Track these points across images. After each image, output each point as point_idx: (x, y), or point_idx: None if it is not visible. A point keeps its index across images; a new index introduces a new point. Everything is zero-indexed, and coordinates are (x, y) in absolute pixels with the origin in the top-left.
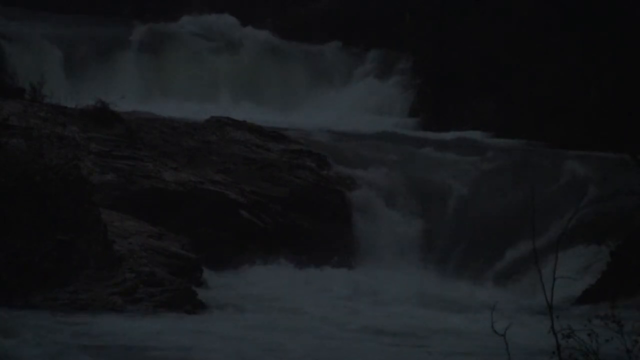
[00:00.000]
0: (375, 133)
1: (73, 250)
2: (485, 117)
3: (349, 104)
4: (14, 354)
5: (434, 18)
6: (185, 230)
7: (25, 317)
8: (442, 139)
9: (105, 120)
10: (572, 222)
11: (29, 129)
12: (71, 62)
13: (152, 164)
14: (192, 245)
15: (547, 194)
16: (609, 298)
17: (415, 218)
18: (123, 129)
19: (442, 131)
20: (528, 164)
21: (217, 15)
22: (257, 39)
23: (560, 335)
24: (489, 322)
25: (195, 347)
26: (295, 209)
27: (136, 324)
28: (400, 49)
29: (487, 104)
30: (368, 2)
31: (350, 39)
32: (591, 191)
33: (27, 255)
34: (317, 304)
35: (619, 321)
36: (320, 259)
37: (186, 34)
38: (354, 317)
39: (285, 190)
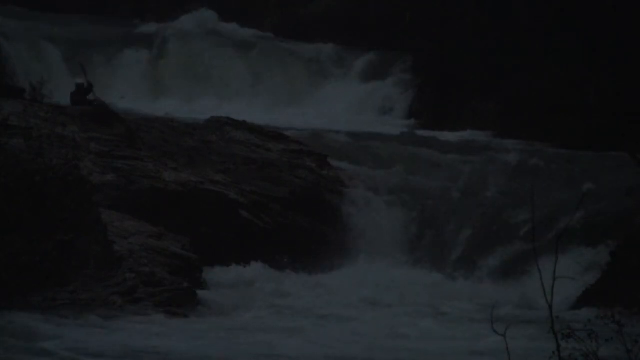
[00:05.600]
0: (375, 133)
1: (73, 250)
2: (485, 117)
3: (349, 104)
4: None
5: (434, 18)
6: (185, 230)
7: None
8: (442, 139)
9: (105, 120)
10: (572, 222)
11: (29, 129)
12: (71, 62)
13: (152, 164)
14: (192, 245)
15: (546, 194)
16: (609, 298)
17: (414, 218)
18: (123, 129)
19: (442, 131)
20: (528, 164)
21: (216, 15)
22: (256, 39)
23: (560, 336)
24: (489, 322)
25: (195, 346)
26: (295, 209)
27: (136, 323)
28: (400, 49)
29: (487, 104)
30: (368, 2)
31: (350, 38)
32: (591, 191)
33: (27, 255)
34: (317, 304)
35: (619, 321)
36: (320, 258)
37: (186, 34)
38: (353, 316)
39: (285, 190)
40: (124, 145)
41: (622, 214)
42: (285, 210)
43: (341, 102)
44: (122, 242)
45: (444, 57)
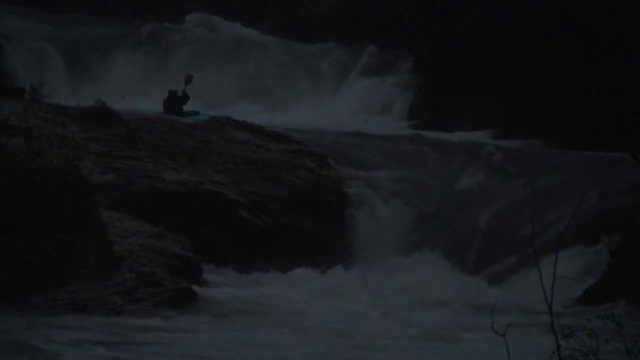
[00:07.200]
0: (375, 133)
1: (73, 250)
2: (485, 117)
3: (349, 104)
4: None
5: (434, 18)
6: (185, 230)
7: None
8: (442, 139)
9: (105, 120)
10: (572, 221)
11: (29, 129)
12: (71, 62)
13: (152, 164)
14: (192, 245)
15: (547, 194)
16: (609, 298)
17: (415, 218)
18: (123, 129)
19: (442, 131)
20: (528, 164)
21: (216, 15)
22: (256, 39)
23: (560, 335)
24: (489, 322)
25: (195, 347)
26: (295, 209)
27: (136, 323)
28: (400, 49)
29: (487, 104)
30: (368, 2)
31: (350, 38)
32: (591, 191)
33: (27, 255)
34: (317, 304)
35: (619, 321)
36: (320, 259)
37: (186, 34)
38: (354, 317)
39: (285, 190)
40: (124, 145)
41: (622, 214)
42: (285, 210)
43: (341, 102)
44: (122, 242)
45: (444, 57)
